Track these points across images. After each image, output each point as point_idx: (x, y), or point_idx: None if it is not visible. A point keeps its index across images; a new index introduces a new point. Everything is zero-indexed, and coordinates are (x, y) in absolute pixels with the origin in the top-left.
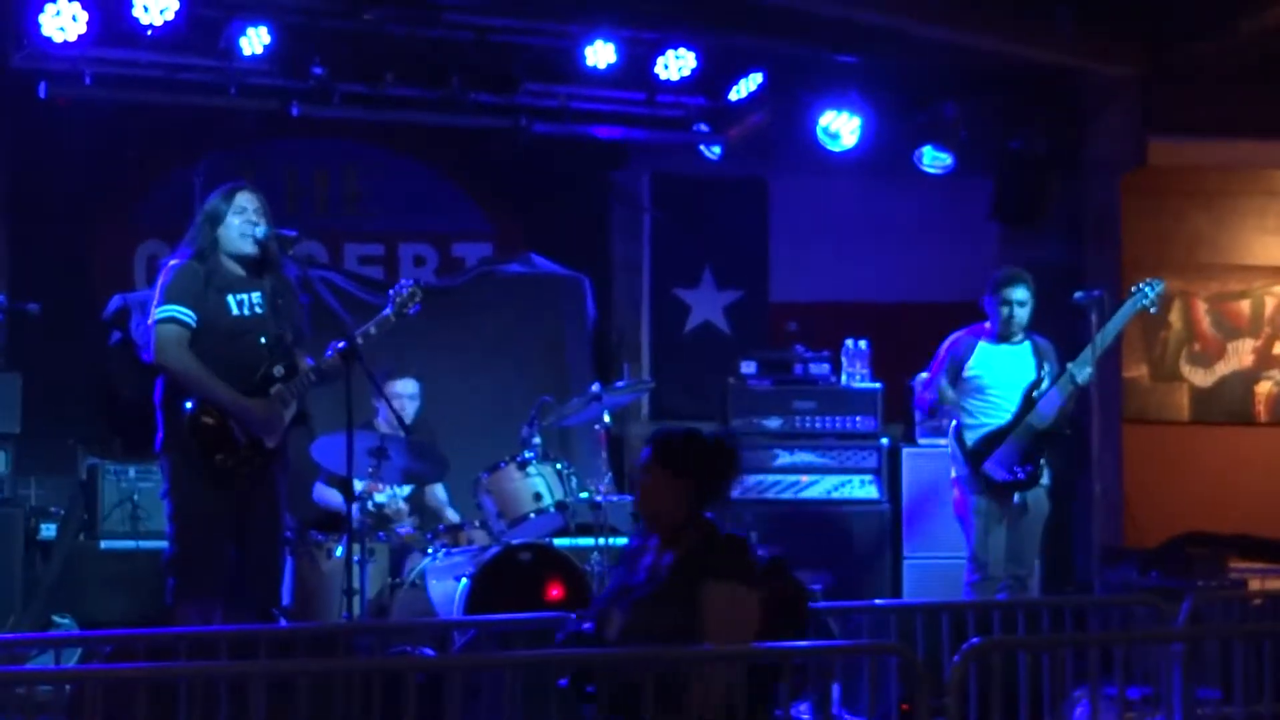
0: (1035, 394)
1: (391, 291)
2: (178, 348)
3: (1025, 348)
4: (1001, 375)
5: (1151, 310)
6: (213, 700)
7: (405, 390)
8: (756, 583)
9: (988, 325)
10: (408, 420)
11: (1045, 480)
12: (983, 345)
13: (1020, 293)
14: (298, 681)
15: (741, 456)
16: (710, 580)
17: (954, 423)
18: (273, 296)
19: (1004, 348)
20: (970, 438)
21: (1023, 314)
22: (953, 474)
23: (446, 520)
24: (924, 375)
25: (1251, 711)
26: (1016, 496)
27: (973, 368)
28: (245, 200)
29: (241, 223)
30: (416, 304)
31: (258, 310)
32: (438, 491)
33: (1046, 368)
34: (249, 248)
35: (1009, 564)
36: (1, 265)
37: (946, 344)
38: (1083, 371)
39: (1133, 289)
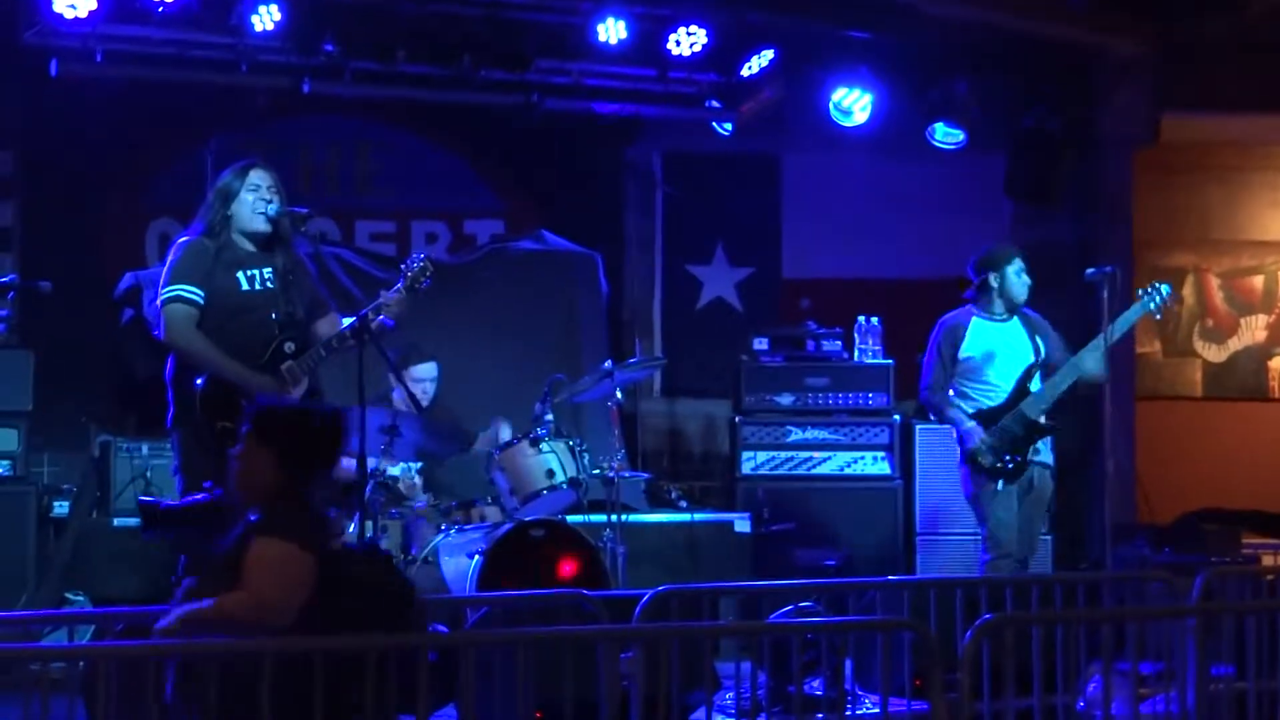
0: (1030, 383)
1: (403, 266)
2: (185, 326)
3: (1016, 323)
4: (998, 354)
5: (1157, 317)
6: (225, 677)
7: (427, 374)
8: (316, 549)
9: (973, 307)
10: (425, 403)
11: (1049, 460)
12: (976, 322)
13: (1021, 263)
14: (310, 658)
15: (341, 438)
16: (261, 536)
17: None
18: (284, 273)
19: (998, 325)
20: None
21: (1029, 282)
22: (959, 455)
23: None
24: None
25: (1265, 687)
26: (1025, 473)
27: (966, 347)
28: (258, 177)
29: (254, 200)
30: (428, 278)
31: (268, 285)
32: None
33: (1040, 341)
34: (261, 225)
35: (1019, 546)
36: (13, 243)
37: (937, 329)
38: (1088, 361)
39: (1141, 291)
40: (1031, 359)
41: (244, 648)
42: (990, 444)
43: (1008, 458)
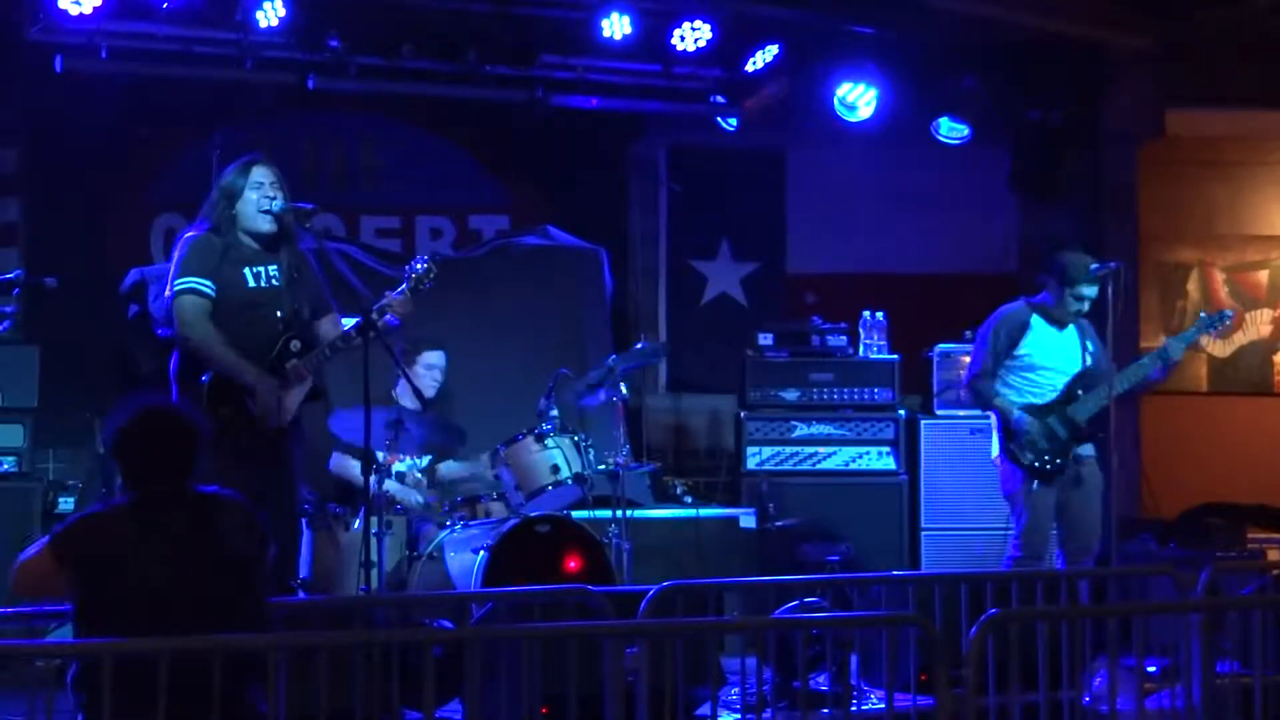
0: (1078, 389)
1: (407, 268)
2: (198, 319)
3: (1072, 329)
4: (1050, 352)
5: (1215, 340)
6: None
7: (437, 361)
8: (59, 546)
9: (1032, 302)
10: (430, 394)
11: (1091, 451)
12: (1037, 320)
13: (1094, 290)
14: (316, 654)
15: (150, 447)
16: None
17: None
18: (289, 269)
19: (1055, 327)
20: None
21: (1089, 306)
22: (994, 452)
23: (464, 489)
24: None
25: (1270, 681)
26: (1067, 471)
27: (1026, 344)
28: (261, 174)
29: (259, 197)
30: (432, 280)
31: (274, 283)
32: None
33: (1090, 350)
34: (266, 223)
35: (1070, 538)
36: (19, 239)
37: (993, 320)
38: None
39: (1204, 315)
40: (1081, 366)
41: (251, 644)
42: (1034, 439)
43: (1047, 458)
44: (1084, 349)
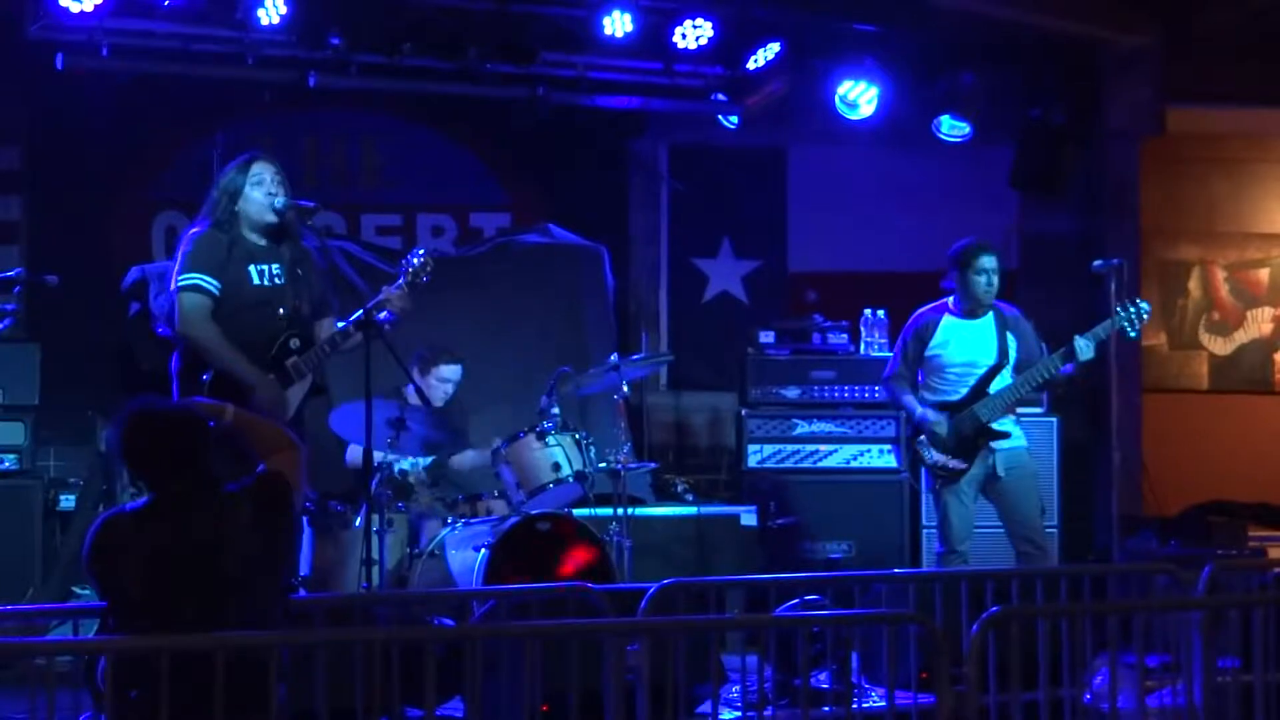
0: (990, 385)
1: (403, 262)
2: (200, 317)
3: (988, 320)
4: (960, 350)
5: (1131, 334)
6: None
7: (452, 375)
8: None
9: (950, 301)
10: (438, 404)
11: (1021, 442)
12: (948, 320)
13: (993, 260)
14: (316, 651)
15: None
16: None
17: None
18: (292, 266)
19: (968, 323)
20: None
21: (995, 281)
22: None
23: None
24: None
25: (1271, 679)
26: (979, 467)
27: (934, 345)
28: (261, 170)
29: (262, 194)
30: (428, 274)
31: (278, 280)
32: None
33: (1011, 342)
34: (269, 216)
35: (1014, 533)
36: (20, 237)
37: (909, 323)
38: (1084, 347)
39: (1118, 308)
40: (995, 359)
41: (252, 642)
42: (935, 436)
43: (950, 454)
44: (1002, 341)
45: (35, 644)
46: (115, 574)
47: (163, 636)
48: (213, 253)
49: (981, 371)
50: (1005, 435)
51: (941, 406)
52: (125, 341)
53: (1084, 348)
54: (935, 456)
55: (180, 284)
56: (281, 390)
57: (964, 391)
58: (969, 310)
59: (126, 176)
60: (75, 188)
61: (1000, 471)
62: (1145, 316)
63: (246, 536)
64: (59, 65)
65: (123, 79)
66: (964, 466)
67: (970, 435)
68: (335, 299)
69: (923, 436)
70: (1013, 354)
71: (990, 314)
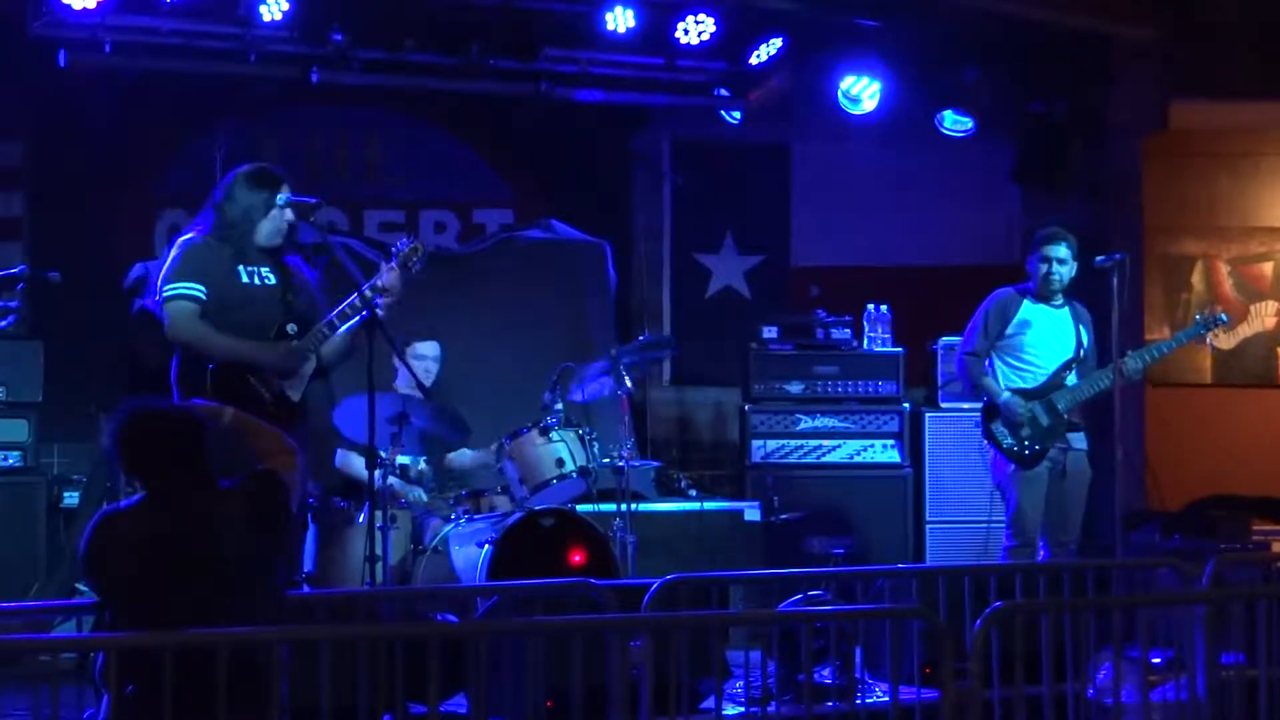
0: (1067, 376)
1: (394, 248)
2: (188, 322)
3: (1065, 312)
4: (1041, 336)
5: (1208, 342)
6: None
7: (429, 352)
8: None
9: (1030, 285)
10: (427, 384)
11: (1083, 444)
12: (1028, 303)
13: (1061, 250)
14: (320, 647)
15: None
16: None
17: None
18: (286, 272)
19: (1045, 308)
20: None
21: (1062, 272)
22: (981, 436)
23: (475, 480)
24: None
25: (1275, 674)
26: (1056, 458)
27: (1015, 324)
28: (284, 198)
29: (279, 224)
30: (420, 259)
31: (268, 281)
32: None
33: (1083, 334)
34: (278, 240)
35: (1052, 530)
36: (23, 234)
37: (989, 299)
38: (1131, 363)
39: (1199, 316)
40: (1073, 352)
41: (255, 638)
42: (1018, 422)
43: (1027, 443)
44: (1078, 334)
45: (39, 641)
46: (110, 570)
47: (166, 633)
48: (198, 261)
49: (1060, 362)
50: (1081, 430)
51: (1018, 393)
52: (128, 338)
53: (1134, 371)
54: (1011, 441)
55: (165, 294)
56: (291, 349)
57: (1043, 379)
58: (1042, 296)
59: (129, 173)
60: (78, 184)
61: (1069, 468)
62: (1223, 322)
63: (240, 532)
64: (62, 62)
65: (125, 76)
66: (1043, 451)
67: (1048, 425)
68: (326, 305)
69: (1003, 421)
70: (1085, 350)
71: (1068, 307)
